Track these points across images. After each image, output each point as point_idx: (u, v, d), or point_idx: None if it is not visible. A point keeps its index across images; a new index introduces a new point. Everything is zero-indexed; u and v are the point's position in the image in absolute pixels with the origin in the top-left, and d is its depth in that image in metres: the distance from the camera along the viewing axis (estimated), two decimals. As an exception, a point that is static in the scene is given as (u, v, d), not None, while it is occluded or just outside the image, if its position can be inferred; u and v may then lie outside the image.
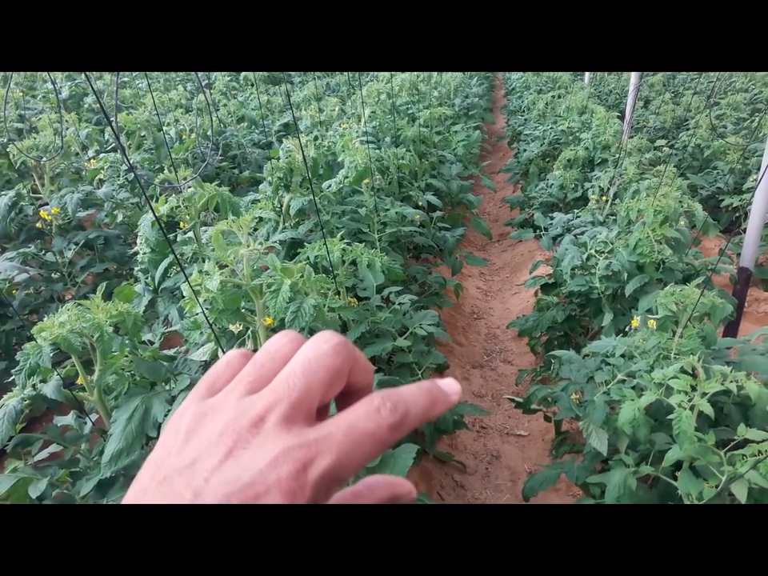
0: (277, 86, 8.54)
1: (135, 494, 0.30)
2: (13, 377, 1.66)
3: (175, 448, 0.31)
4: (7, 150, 3.77)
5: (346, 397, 0.35)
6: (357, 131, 4.18)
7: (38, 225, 3.50)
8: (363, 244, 2.45)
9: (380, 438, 0.31)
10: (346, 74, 8.87)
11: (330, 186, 3.22)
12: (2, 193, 3.47)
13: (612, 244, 2.84)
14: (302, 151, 2.07)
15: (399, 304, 2.59)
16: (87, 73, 1.13)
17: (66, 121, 4.79)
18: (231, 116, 5.77)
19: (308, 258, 2.21)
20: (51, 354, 1.53)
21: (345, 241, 2.33)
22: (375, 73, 8.33)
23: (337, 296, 2.33)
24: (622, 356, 2.12)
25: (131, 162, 3.55)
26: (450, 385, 0.34)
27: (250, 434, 0.30)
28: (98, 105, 6.77)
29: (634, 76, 5.75)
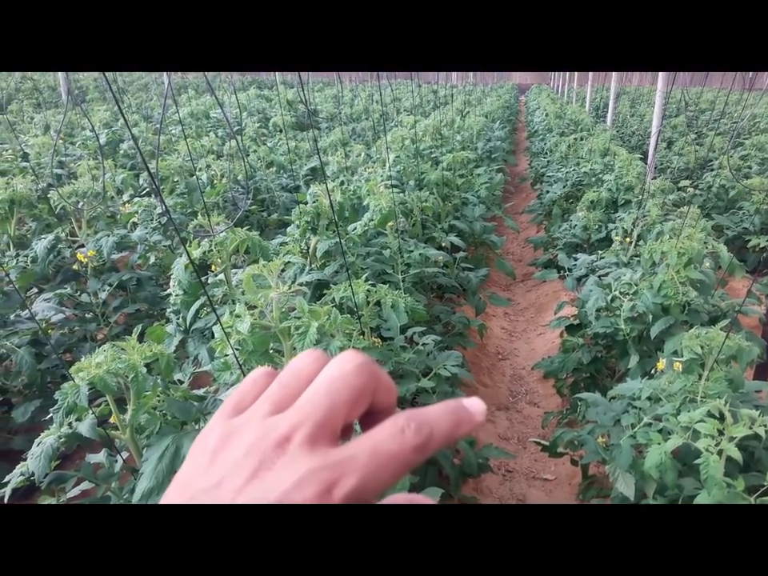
0: (304, 132, 8.79)
1: None
2: (48, 415, 1.72)
3: (201, 468, 0.31)
4: (48, 195, 3.94)
5: (370, 417, 0.35)
6: (381, 175, 4.28)
7: (75, 266, 3.63)
8: (387, 285, 2.50)
9: (404, 460, 0.31)
10: (371, 119, 9.11)
11: (355, 228, 3.30)
12: (42, 236, 3.63)
13: (636, 285, 2.84)
14: (329, 196, 2.15)
15: (423, 344, 2.61)
16: (126, 120, 1.20)
17: (104, 167, 4.99)
18: (261, 161, 5.96)
19: (333, 298, 2.27)
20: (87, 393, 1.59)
21: (369, 282, 2.38)
22: (399, 118, 8.54)
23: (361, 336, 2.36)
24: (648, 399, 2.10)
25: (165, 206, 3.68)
26: (475, 404, 0.34)
27: (275, 454, 0.30)
28: (132, 151, 7.06)
29: (656, 117, 5.81)
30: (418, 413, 0.32)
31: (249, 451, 0.31)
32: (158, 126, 8.81)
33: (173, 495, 0.31)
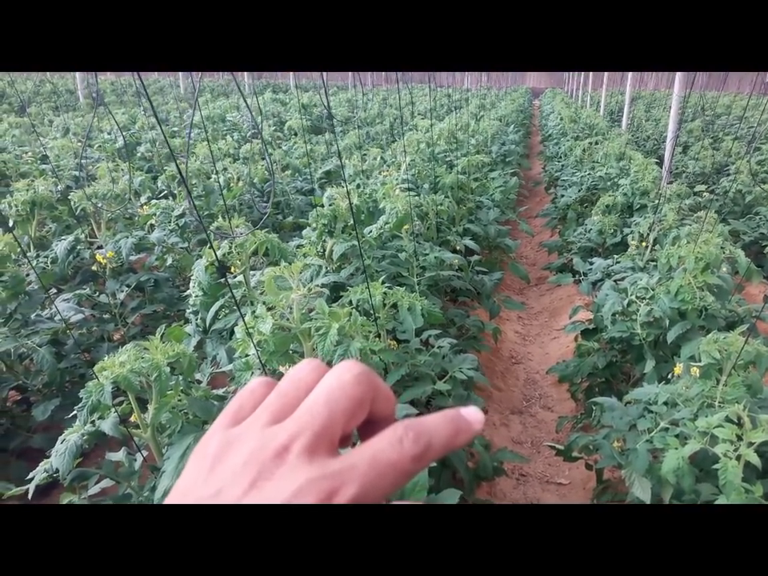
0: (319, 135, 8.84)
1: None
2: (67, 413, 1.75)
3: (201, 477, 0.31)
4: (68, 197, 3.99)
5: (369, 426, 0.35)
6: (397, 179, 4.30)
7: (93, 267, 3.68)
8: (403, 287, 2.52)
9: (403, 469, 0.31)
10: (386, 123, 9.15)
11: (371, 231, 3.32)
12: (62, 238, 3.68)
13: (653, 290, 2.83)
14: (349, 198, 2.17)
15: (438, 347, 2.62)
16: (158, 117, 1.22)
17: (122, 169, 5.06)
18: (276, 164, 6.01)
19: (350, 301, 2.28)
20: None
21: (386, 285, 2.40)
22: (415, 122, 8.56)
23: (377, 338, 2.38)
24: (665, 403, 2.09)
25: (184, 208, 3.73)
26: (473, 413, 0.34)
27: (274, 464, 0.30)
28: (150, 153, 7.13)
29: (672, 121, 5.78)
30: (416, 422, 0.32)
31: (247, 461, 0.31)
32: (175, 129, 8.91)
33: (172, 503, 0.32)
